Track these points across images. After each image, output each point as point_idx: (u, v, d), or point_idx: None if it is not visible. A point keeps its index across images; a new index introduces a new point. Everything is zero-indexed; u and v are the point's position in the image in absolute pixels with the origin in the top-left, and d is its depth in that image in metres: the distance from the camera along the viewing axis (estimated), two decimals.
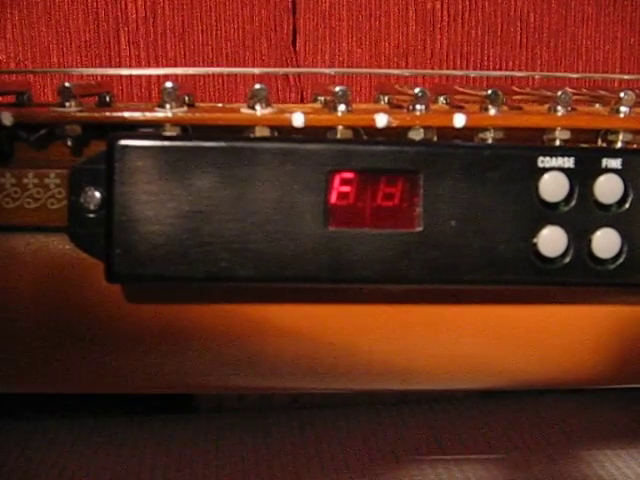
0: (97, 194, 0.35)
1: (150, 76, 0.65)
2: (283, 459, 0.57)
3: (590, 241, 0.35)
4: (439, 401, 0.65)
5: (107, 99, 0.43)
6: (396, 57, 0.68)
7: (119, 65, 0.65)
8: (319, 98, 0.46)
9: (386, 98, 0.46)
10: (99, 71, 0.48)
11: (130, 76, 0.64)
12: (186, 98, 0.42)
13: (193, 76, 0.63)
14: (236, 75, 0.67)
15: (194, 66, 0.65)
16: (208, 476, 0.55)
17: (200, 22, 0.66)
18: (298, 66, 0.68)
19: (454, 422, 0.63)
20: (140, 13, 0.65)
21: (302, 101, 0.68)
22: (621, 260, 0.35)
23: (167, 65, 0.65)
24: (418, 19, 0.67)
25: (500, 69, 0.68)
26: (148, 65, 0.65)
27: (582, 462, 0.57)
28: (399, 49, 0.67)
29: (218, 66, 0.66)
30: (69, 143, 0.36)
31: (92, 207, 0.35)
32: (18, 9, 0.63)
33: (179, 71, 0.49)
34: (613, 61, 0.69)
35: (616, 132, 0.37)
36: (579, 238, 0.35)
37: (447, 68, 0.68)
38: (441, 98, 0.45)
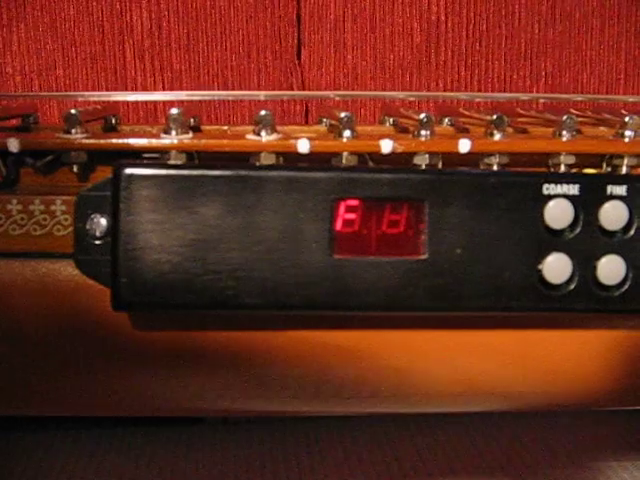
0: (103, 221, 0.35)
1: (154, 88, 0.65)
2: (288, 469, 0.57)
3: (595, 268, 0.35)
4: (446, 415, 0.65)
5: (113, 122, 0.43)
6: (400, 69, 0.67)
7: (124, 77, 0.65)
8: (324, 120, 0.47)
9: (391, 120, 0.46)
10: (104, 96, 0.48)
11: (134, 87, 0.65)
12: (191, 120, 0.42)
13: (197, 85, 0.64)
14: (241, 87, 0.67)
15: (199, 77, 0.65)
16: None
17: (205, 34, 0.66)
18: (303, 77, 0.68)
19: (461, 436, 0.63)
20: (145, 25, 0.65)
21: (306, 114, 0.68)
22: (626, 287, 0.35)
23: (172, 77, 0.65)
24: (422, 31, 0.67)
25: (504, 80, 0.68)
26: (153, 76, 0.65)
27: (588, 474, 0.57)
28: (404, 61, 0.67)
29: (223, 77, 0.66)
30: (75, 169, 0.37)
31: (98, 234, 0.35)
32: (24, 22, 0.63)
33: (184, 96, 0.49)
34: (617, 73, 0.69)
35: (621, 157, 0.37)
36: (584, 265, 0.35)
37: (452, 80, 0.68)
38: (446, 119, 0.45)
